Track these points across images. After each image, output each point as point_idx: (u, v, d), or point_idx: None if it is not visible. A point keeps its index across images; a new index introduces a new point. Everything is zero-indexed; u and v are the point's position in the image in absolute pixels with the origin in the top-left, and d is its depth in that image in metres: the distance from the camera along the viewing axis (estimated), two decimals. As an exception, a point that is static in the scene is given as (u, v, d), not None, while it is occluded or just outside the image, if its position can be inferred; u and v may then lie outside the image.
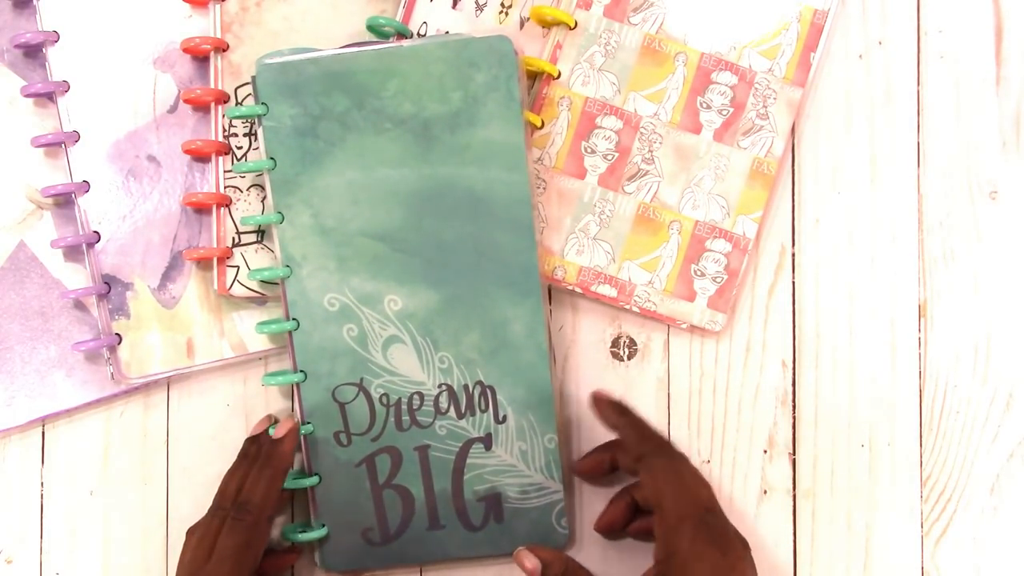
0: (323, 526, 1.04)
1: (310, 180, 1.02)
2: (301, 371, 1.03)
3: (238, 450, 1.03)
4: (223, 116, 1.05)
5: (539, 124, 1.06)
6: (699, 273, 1.07)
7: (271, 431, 1.02)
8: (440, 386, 1.03)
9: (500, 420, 1.04)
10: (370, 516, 1.04)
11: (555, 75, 1.06)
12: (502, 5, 1.07)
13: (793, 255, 1.08)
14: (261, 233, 1.06)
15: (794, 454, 1.08)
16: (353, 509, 1.04)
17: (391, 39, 1.04)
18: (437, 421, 1.03)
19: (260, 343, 1.07)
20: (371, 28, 1.05)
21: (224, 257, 1.05)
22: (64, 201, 1.07)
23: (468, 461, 1.04)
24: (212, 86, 1.06)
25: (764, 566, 1.07)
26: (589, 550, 1.07)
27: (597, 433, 1.07)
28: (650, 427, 1.02)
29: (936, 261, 1.08)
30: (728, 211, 1.07)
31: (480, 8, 1.07)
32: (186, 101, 1.06)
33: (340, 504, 1.04)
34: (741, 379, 1.08)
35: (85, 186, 1.05)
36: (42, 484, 1.08)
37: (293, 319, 1.02)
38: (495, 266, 1.02)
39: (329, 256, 1.02)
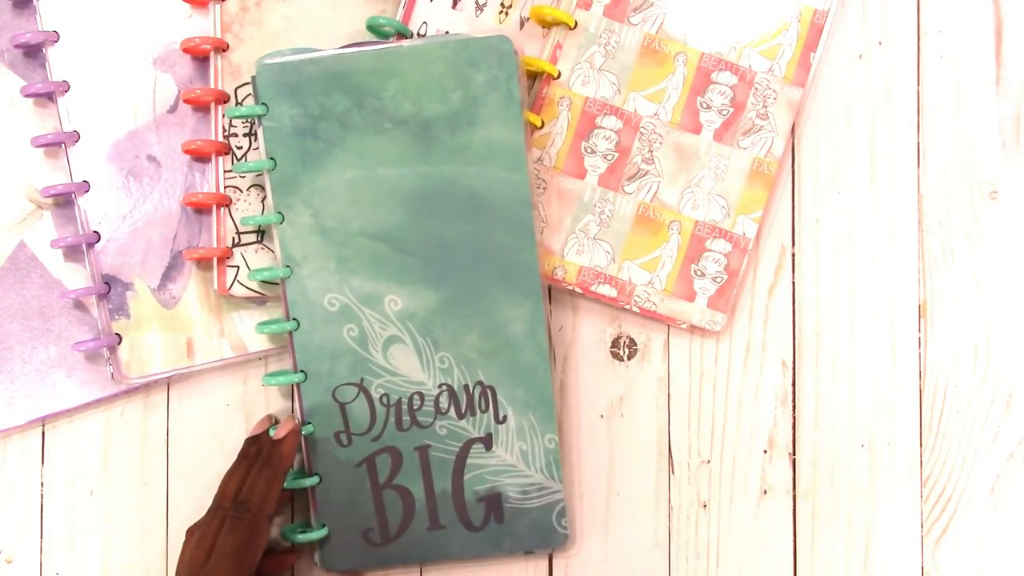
0: (323, 526, 1.04)
1: (310, 180, 1.02)
2: (301, 371, 1.03)
3: (238, 450, 1.03)
4: (223, 116, 1.05)
5: (539, 124, 1.06)
6: (699, 273, 1.07)
7: (272, 432, 1.02)
8: (440, 386, 1.03)
9: (500, 420, 1.04)
10: (370, 516, 1.04)
11: (555, 75, 1.06)
12: (502, 5, 1.07)
13: (793, 255, 1.08)
14: (261, 233, 1.06)
15: (794, 454, 1.08)
16: (353, 509, 1.04)
17: (391, 39, 1.04)
18: (437, 421, 1.04)
19: (260, 343, 1.07)
20: (371, 28, 1.05)
21: (224, 257, 1.05)
22: (64, 201, 1.07)
23: (468, 461, 1.04)
24: (212, 86, 1.06)
25: (764, 566, 1.07)
26: (590, 550, 1.08)
27: (598, 432, 1.08)
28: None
29: (936, 261, 1.08)
30: (728, 211, 1.07)
31: (480, 8, 1.07)
32: (186, 101, 1.05)
33: (340, 504, 1.04)
34: (741, 379, 1.08)
35: (85, 186, 1.05)
36: (42, 484, 1.08)
37: (293, 319, 1.02)
38: (495, 266, 1.02)
39: (329, 256, 1.02)
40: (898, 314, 1.08)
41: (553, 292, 1.08)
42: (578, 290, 1.07)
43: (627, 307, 1.07)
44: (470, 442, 1.04)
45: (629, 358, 1.08)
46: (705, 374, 1.08)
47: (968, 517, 1.07)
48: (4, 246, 1.06)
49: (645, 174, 1.07)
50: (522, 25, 1.08)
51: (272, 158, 1.02)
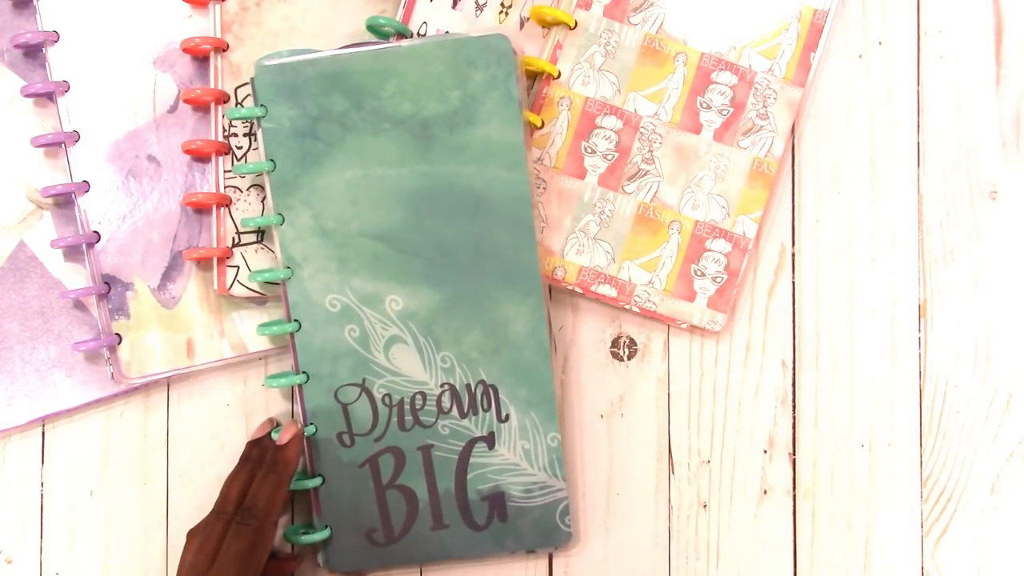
0: (326, 527, 1.04)
1: (310, 181, 1.02)
2: (303, 372, 1.03)
3: (238, 450, 1.03)
4: (223, 116, 1.05)
5: (539, 124, 1.06)
6: (699, 273, 1.07)
7: (275, 435, 1.02)
8: (442, 386, 1.03)
9: (503, 419, 1.04)
10: (374, 517, 1.04)
11: (555, 75, 1.06)
12: (502, 5, 1.07)
13: (793, 255, 1.08)
14: (261, 233, 1.06)
15: (794, 454, 1.08)
16: (357, 510, 1.04)
17: (391, 39, 1.04)
18: (440, 421, 1.04)
19: (260, 343, 1.07)
20: (371, 28, 1.05)
21: (224, 257, 1.05)
22: (64, 201, 1.07)
23: (471, 460, 1.04)
24: (212, 86, 1.05)
25: (764, 566, 1.07)
26: (592, 548, 1.08)
27: (598, 432, 1.08)
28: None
29: (936, 261, 1.08)
30: (728, 211, 1.07)
31: (480, 8, 1.07)
32: (186, 101, 1.05)
33: (344, 505, 1.04)
34: (741, 379, 1.08)
35: (85, 186, 1.05)
36: (42, 484, 1.08)
37: (295, 320, 1.02)
38: (496, 265, 1.02)
39: (330, 257, 1.02)
40: (898, 314, 1.08)
41: (553, 292, 1.08)
42: (578, 290, 1.07)
43: (627, 307, 1.07)
44: (473, 441, 1.04)
45: (629, 358, 1.09)
46: (705, 374, 1.08)
47: (968, 517, 1.07)
48: (4, 246, 1.06)
49: (645, 174, 1.07)
50: (522, 25, 1.08)
51: (271, 159, 1.02)
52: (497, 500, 1.04)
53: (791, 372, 1.08)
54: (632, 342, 1.09)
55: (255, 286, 1.05)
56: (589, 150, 1.06)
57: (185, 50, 1.05)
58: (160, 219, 1.06)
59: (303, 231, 1.02)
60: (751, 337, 1.08)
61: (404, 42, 1.02)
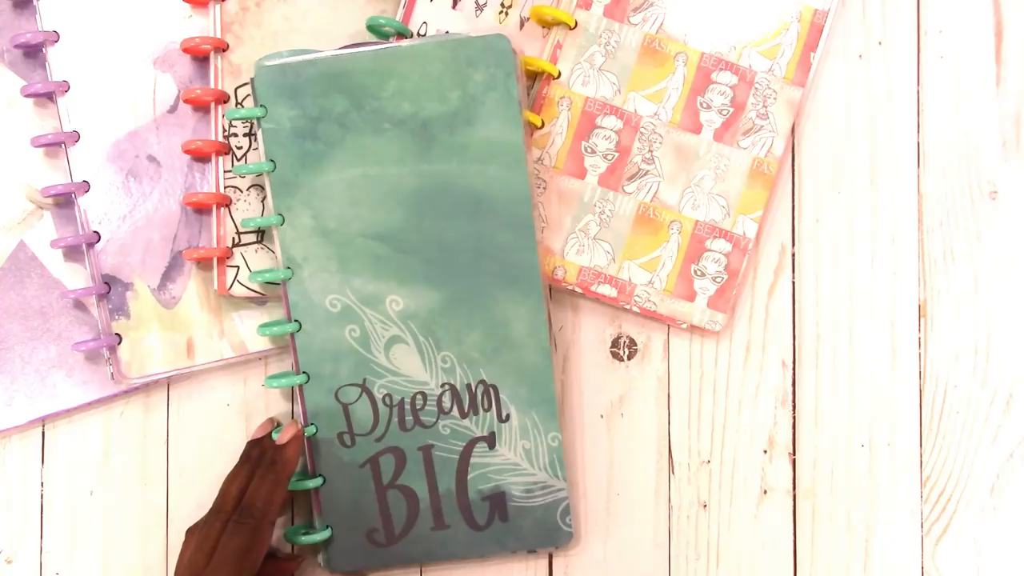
0: (327, 527, 1.04)
1: (310, 181, 1.02)
2: (304, 373, 1.03)
3: (238, 450, 1.03)
4: (223, 116, 1.05)
5: (539, 124, 1.06)
6: (699, 273, 1.07)
7: (275, 436, 1.02)
8: (443, 386, 1.03)
9: (503, 419, 1.04)
10: (375, 517, 1.04)
11: (555, 75, 1.06)
12: (502, 5, 1.07)
13: (793, 255, 1.08)
14: (261, 233, 1.06)
15: (794, 454, 1.08)
16: (357, 510, 1.04)
17: (391, 39, 1.04)
18: (440, 421, 1.04)
19: (260, 343, 1.07)
20: (371, 28, 1.05)
21: (224, 257, 1.05)
22: (64, 201, 1.07)
23: (472, 460, 1.04)
24: (212, 86, 1.05)
25: (764, 566, 1.07)
26: (592, 548, 1.08)
27: (598, 432, 1.08)
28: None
29: (936, 261, 1.08)
30: (728, 211, 1.07)
31: (480, 8, 1.07)
32: (186, 101, 1.05)
33: (344, 505, 1.04)
34: (741, 379, 1.08)
35: (85, 186, 1.05)
36: (42, 484, 1.08)
37: (295, 321, 1.02)
38: (496, 265, 1.02)
39: (330, 257, 1.02)
40: (898, 314, 1.08)
41: (553, 292, 1.08)
42: (578, 290, 1.07)
43: (627, 307, 1.07)
44: (473, 441, 1.04)
45: (629, 358, 1.09)
46: (705, 374, 1.08)
47: (968, 517, 1.08)
48: (4, 246, 1.06)
49: (645, 174, 1.07)
50: (522, 25, 1.08)
51: (272, 160, 1.02)
52: (498, 500, 1.04)
53: (791, 372, 1.08)
54: (632, 342, 1.09)
55: (255, 286, 1.05)
56: (589, 150, 1.06)
57: (185, 50, 1.05)
58: (160, 219, 1.06)
59: (303, 231, 1.02)
60: (751, 337, 1.08)
61: (404, 42, 1.02)
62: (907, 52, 1.09)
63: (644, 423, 1.08)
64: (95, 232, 1.05)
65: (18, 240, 1.06)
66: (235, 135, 1.05)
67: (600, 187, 1.06)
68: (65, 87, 1.05)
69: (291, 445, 1.01)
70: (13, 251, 1.06)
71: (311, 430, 1.03)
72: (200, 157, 1.06)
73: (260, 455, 1.01)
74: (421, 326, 1.03)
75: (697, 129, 1.07)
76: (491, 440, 1.04)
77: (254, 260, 1.05)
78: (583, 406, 1.08)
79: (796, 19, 1.07)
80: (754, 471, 1.08)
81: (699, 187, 1.07)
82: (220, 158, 1.05)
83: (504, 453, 1.04)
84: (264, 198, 1.05)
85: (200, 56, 1.06)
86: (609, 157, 1.06)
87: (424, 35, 1.06)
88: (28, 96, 1.06)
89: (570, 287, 1.07)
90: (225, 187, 1.05)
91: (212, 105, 1.05)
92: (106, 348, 1.05)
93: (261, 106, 1.01)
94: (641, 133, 1.07)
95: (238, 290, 1.05)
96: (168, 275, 1.06)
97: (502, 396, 1.03)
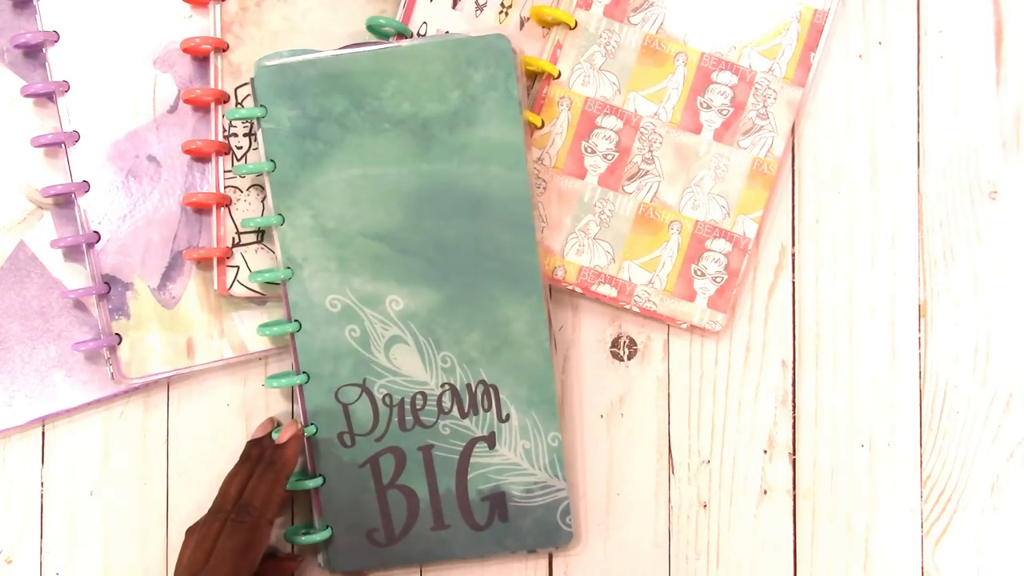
0: (327, 527, 1.04)
1: (310, 181, 1.02)
2: (304, 373, 1.03)
3: (238, 450, 1.03)
4: (223, 116, 1.05)
5: (539, 124, 1.06)
6: (699, 273, 1.07)
7: (275, 435, 1.02)
8: (443, 386, 1.03)
9: (503, 419, 1.04)
10: (375, 517, 1.04)
11: (555, 75, 1.06)
12: (502, 5, 1.07)
13: (793, 255, 1.08)
14: (261, 233, 1.06)
15: (794, 454, 1.08)
16: (357, 510, 1.04)
17: (391, 39, 1.04)
18: (440, 421, 1.04)
19: (260, 343, 1.07)
20: (371, 28, 1.05)
21: (224, 257, 1.05)
22: (64, 201, 1.07)
23: (472, 460, 1.04)
24: (212, 86, 1.05)
25: (764, 566, 1.07)
26: (592, 548, 1.08)
27: (598, 432, 1.08)
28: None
29: (936, 261, 1.08)
30: (728, 211, 1.07)
31: (480, 8, 1.07)
32: (186, 101, 1.05)
33: (344, 505, 1.04)
34: (741, 379, 1.08)
35: (85, 186, 1.05)
36: (42, 484, 1.08)
37: (295, 321, 1.02)
38: (496, 265, 1.02)
39: (330, 257, 1.02)
40: (898, 314, 1.08)
41: (553, 292, 1.08)
42: (578, 290, 1.07)
43: (627, 307, 1.07)
44: (473, 441, 1.04)
45: (629, 358, 1.09)
46: (705, 374, 1.08)
47: (968, 517, 1.08)
48: (4, 246, 1.06)
49: (645, 174, 1.07)
50: (522, 25, 1.08)
51: (271, 160, 1.02)
52: (498, 500, 1.04)
53: (791, 372, 1.08)
54: (632, 342, 1.09)
55: (255, 286, 1.05)
56: (589, 150, 1.06)
57: (185, 50, 1.05)
58: (160, 219, 1.06)
59: (303, 231, 1.02)
60: (751, 337, 1.08)
61: (404, 42, 1.02)
62: (907, 52, 1.09)
63: (644, 423, 1.08)
64: (95, 232, 1.05)
65: (18, 240, 1.06)
66: (235, 135, 1.05)
67: (600, 187, 1.06)
68: (65, 87, 1.05)
69: (290, 444, 1.01)
70: (13, 251, 1.06)
71: (311, 430, 1.03)
72: (200, 157, 1.06)
73: (260, 455, 1.01)
74: (421, 326, 1.03)
75: (697, 129, 1.07)
76: (491, 440, 1.04)
77: (254, 260, 1.05)
78: (583, 406, 1.08)
79: (796, 19, 1.07)
80: (754, 471, 1.08)
81: (699, 187, 1.07)
82: (220, 158, 1.05)
83: (504, 453, 1.04)
84: (264, 198, 1.05)
85: (200, 56, 1.06)
86: (609, 157, 1.06)
87: (424, 35, 1.06)
88: (28, 96, 1.06)
89: (570, 287, 1.07)
90: (225, 187, 1.05)
91: (212, 105, 1.05)
92: (106, 348, 1.05)
93: (261, 106, 1.01)
94: (641, 133, 1.07)
95: (238, 290, 1.05)
96: (168, 275, 1.06)
97: (502, 396, 1.03)
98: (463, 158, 1.02)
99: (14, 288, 1.06)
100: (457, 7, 1.07)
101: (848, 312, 1.08)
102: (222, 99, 1.05)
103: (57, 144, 1.06)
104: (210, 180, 1.06)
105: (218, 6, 1.05)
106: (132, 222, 1.06)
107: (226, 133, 1.05)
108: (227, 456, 1.06)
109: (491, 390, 1.03)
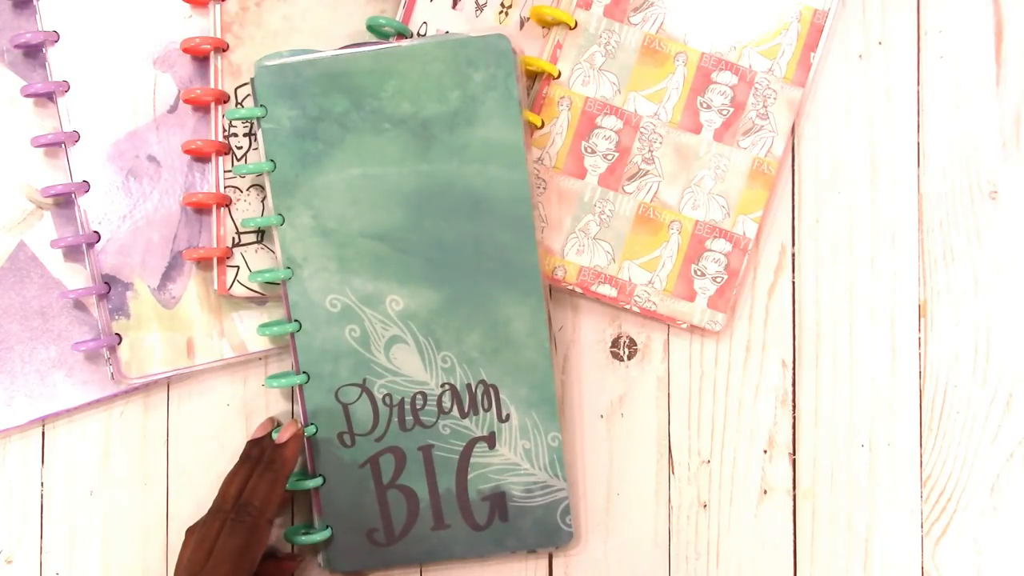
0: (327, 527, 1.04)
1: (310, 181, 1.02)
2: (304, 373, 1.03)
3: (238, 450, 1.03)
4: (223, 116, 1.05)
5: (539, 124, 1.06)
6: (699, 273, 1.07)
7: (275, 435, 1.02)
8: (443, 385, 1.03)
9: (503, 419, 1.04)
10: (375, 517, 1.04)
11: (555, 75, 1.06)
12: (502, 5, 1.07)
13: (793, 255, 1.08)
14: (261, 233, 1.06)
15: (794, 454, 1.08)
16: (357, 510, 1.04)
17: (391, 39, 1.04)
18: (440, 420, 1.04)
19: (260, 343, 1.07)
20: (371, 28, 1.05)
21: (224, 257, 1.05)
22: (64, 201, 1.07)
23: (472, 460, 1.04)
24: (212, 86, 1.05)
25: (764, 566, 1.07)
26: (592, 548, 1.08)
27: (598, 432, 1.08)
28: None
29: (936, 261, 1.08)
30: (728, 211, 1.07)
31: (480, 8, 1.07)
32: (186, 101, 1.05)
33: (344, 505, 1.04)
34: (741, 379, 1.08)
35: (85, 186, 1.05)
36: (42, 484, 1.08)
37: (295, 321, 1.02)
38: (496, 265, 1.02)
39: (330, 257, 1.02)
40: (898, 314, 1.08)
41: (553, 292, 1.08)
42: (578, 290, 1.07)
43: (627, 307, 1.07)
44: (473, 441, 1.04)
45: (629, 358, 1.09)
46: (705, 374, 1.08)
47: (968, 517, 1.08)
48: (4, 246, 1.06)
49: (645, 174, 1.07)
50: (522, 25, 1.08)
51: (272, 160, 1.02)
52: (498, 500, 1.04)
53: (791, 372, 1.08)
54: (632, 342, 1.09)
55: (255, 286, 1.05)
56: (589, 150, 1.06)
57: (185, 50, 1.05)
58: (160, 219, 1.06)
59: (303, 231, 1.02)
60: (751, 337, 1.08)
61: (404, 42, 1.02)
62: (907, 52, 1.09)
63: (644, 423, 1.08)
64: (95, 232, 1.05)
65: (18, 240, 1.06)
66: (235, 135, 1.05)
67: (600, 187, 1.06)
68: (65, 87, 1.05)
69: (290, 444, 1.01)
70: (13, 251, 1.06)
71: (311, 430, 1.03)
72: (200, 157, 1.06)
73: (260, 454, 1.01)
74: (421, 326, 1.03)
75: (697, 129, 1.07)
76: (491, 440, 1.04)
77: (254, 260, 1.05)
78: (583, 406, 1.08)
79: (796, 19, 1.07)
80: (754, 471, 1.08)
81: (699, 187, 1.07)
82: (220, 158, 1.05)
83: (504, 453, 1.04)
84: (264, 198, 1.05)
85: (200, 56, 1.06)
86: (609, 157, 1.06)
87: (424, 35, 1.06)
88: (28, 96, 1.06)
89: (570, 287, 1.07)
90: (225, 187, 1.05)
91: (212, 105, 1.05)
92: (106, 348, 1.05)
93: (261, 106, 1.01)
94: (641, 133, 1.07)
95: (238, 290, 1.05)
96: (168, 275, 1.06)
97: (502, 396, 1.03)
98: (463, 158, 1.02)
99: (14, 288, 1.06)
100: (457, 7, 1.07)
101: (848, 312, 1.08)
102: (222, 99, 1.05)
103: (57, 144, 1.06)
104: (210, 180, 1.06)
105: (218, 6, 1.05)
106: (132, 222, 1.06)
107: (226, 133, 1.05)
108: (227, 456, 1.06)
109: (491, 390, 1.03)
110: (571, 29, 1.07)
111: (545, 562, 1.08)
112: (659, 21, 1.07)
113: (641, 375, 1.08)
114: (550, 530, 1.05)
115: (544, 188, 1.06)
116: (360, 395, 1.03)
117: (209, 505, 1.00)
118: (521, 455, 1.04)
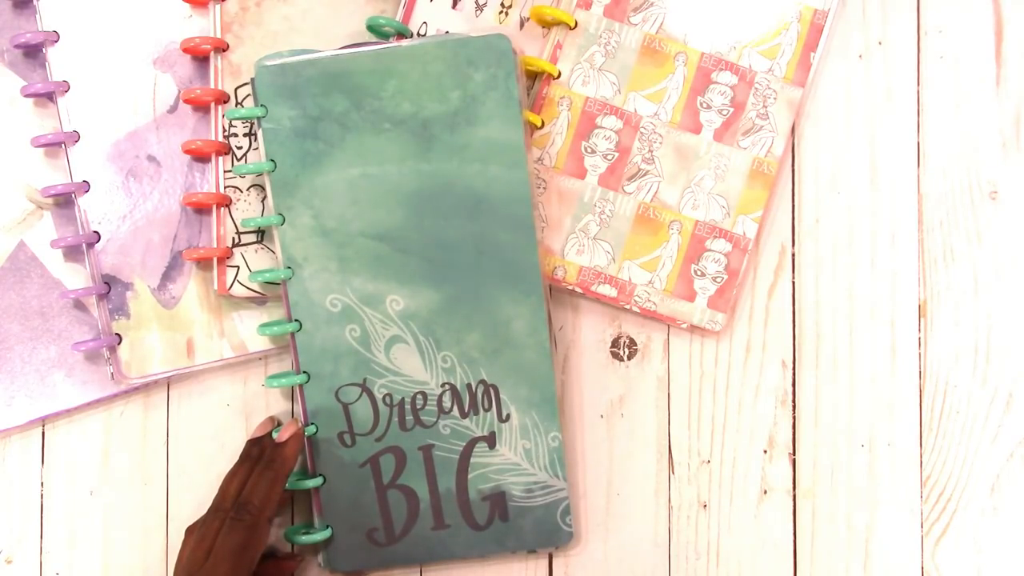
0: (327, 527, 1.04)
1: (310, 181, 1.02)
2: (304, 372, 1.03)
3: (238, 450, 1.03)
4: (223, 116, 1.05)
5: (539, 124, 1.06)
6: (699, 273, 1.07)
7: (275, 434, 1.02)
8: (443, 385, 1.03)
9: (503, 419, 1.04)
10: (375, 516, 1.04)
11: (555, 75, 1.06)
12: (502, 5, 1.07)
13: (793, 255, 1.08)
14: (261, 233, 1.06)
15: (794, 454, 1.08)
16: (358, 510, 1.04)
17: (391, 39, 1.04)
18: (441, 420, 1.04)
19: (260, 343, 1.07)
20: (371, 28, 1.05)
21: (224, 257, 1.05)
22: (64, 201, 1.07)
23: (472, 460, 1.04)
24: (212, 86, 1.05)
25: (764, 566, 1.07)
26: (592, 548, 1.08)
27: (598, 432, 1.08)
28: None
29: (936, 261, 1.08)
30: (728, 211, 1.07)
31: (480, 8, 1.07)
32: (186, 101, 1.05)
33: (344, 505, 1.04)
34: (741, 379, 1.08)
35: (85, 186, 1.05)
36: (42, 484, 1.08)
37: (295, 321, 1.02)
38: (496, 265, 1.02)
39: (330, 257, 1.02)
40: (898, 314, 1.08)
41: (553, 292, 1.08)
42: (578, 290, 1.07)
43: (627, 307, 1.07)
44: (474, 441, 1.04)
45: (629, 358, 1.09)
46: (705, 374, 1.08)
47: (968, 517, 1.07)
48: (4, 246, 1.06)
49: (645, 174, 1.07)
50: (522, 25, 1.08)
51: (272, 160, 1.02)
52: (498, 500, 1.04)
53: (791, 372, 1.08)
54: (632, 342, 1.09)
55: (255, 286, 1.05)
56: (589, 150, 1.06)
57: (185, 50, 1.05)
58: (160, 219, 1.06)
59: (303, 231, 1.02)
60: (751, 337, 1.08)
61: (404, 42, 1.02)
62: (907, 52, 1.09)
63: (644, 423, 1.08)
64: (95, 232, 1.05)
65: (18, 240, 1.06)
66: (235, 135, 1.05)
67: (600, 187, 1.06)
68: (65, 87, 1.05)
69: (290, 443, 1.01)
70: (13, 251, 1.06)
71: (311, 430, 1.03)
72: (200, 157, 1.06)
73: (260, 454, 1.01)
74: (421, 326, 1.03)
75: (697, 129, 1.07)
76: (491, 440, 1.04)
77: (254, 260, 1.05)
78: (583, 406, 1.08)
79: (796, 19, 1.07)
80: (754, 471, 1.08)
81: (699, 187, 1.07)
82: (220, 158, 1.05)
83: (504, 453, 1.04)
84: (264, 198, 1.05)
85: (200, 56, 1.06)
86: (609, 157, 1.06)
87: (424, 35, 1.06)
88: (28, 96, 1.06)
89: (570, 287, 1.07)
90: (225, 187, 1.05)
91: (212, 105, 1.05)
92: (106, 348, 1.05)
93: (261, 106, 1.01)
94: (641, 133, 1.07)
95: (238, 290, 1.05)
96: (168, 275, 1.06)
97: (502, 396, 1.03)
98: (463, 158, 1.02)
99: (14, 288, 1.06)
100: (457, 7, 1.07)
101: (848, 312, 1.08)
102: (222, 99, 1.05)
103: (57, 144, 1.06)
104: (210, 180, 1.06)
105: (218, 6, 1.05)
106: (132, 222, 1.06)
107: (226, 133, 1.05)
108: (227, 456, 1.06)
109: (491, 390, 1.03)
110: (571, 29, 1.07)
111: (545, 562, 1.08)
112: (659, 21, 1.07)
113: (641, 375, 1.08)
114: (550, 530, 1.05)
115: (544, 188, 1.06)
116: (360, 395, 1.03)
117: (209, 505, 1.00)
118: (521, 455, 1.04)
